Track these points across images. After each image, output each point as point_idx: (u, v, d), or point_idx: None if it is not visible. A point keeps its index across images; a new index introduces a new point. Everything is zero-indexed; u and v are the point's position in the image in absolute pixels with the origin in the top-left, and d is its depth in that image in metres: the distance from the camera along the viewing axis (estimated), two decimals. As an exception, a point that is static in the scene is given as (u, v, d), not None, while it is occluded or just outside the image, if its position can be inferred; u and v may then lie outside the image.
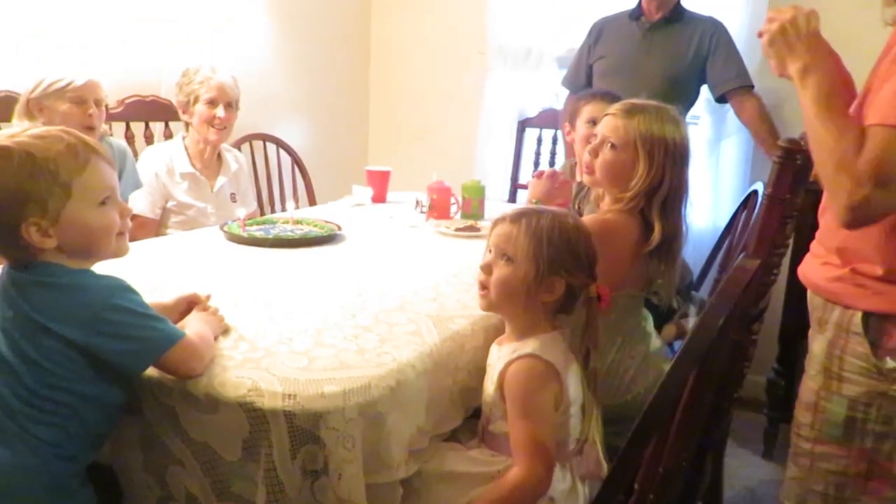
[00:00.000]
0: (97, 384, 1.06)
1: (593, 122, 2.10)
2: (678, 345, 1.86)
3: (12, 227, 1.03)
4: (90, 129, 2.01)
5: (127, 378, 1.09)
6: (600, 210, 1.63)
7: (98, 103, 2.06)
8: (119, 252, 1.14)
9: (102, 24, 2.44)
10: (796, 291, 2.41)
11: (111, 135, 2.24)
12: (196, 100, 2.32)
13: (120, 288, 1.07)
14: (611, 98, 2.09)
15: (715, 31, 2.60)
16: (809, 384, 1.35)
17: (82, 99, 2.01)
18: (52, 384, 1.03)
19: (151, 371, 1.10)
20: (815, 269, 1.36)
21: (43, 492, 1.04)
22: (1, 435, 1.03)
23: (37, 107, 1.99)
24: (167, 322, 1.11)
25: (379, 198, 2.63)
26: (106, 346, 1.04)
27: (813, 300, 1.39)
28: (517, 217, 1.30)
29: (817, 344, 1.33)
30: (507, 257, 1.28)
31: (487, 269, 1.30)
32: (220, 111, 2.31)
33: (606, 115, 1.61)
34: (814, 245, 1.43)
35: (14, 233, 1.03)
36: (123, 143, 2.30)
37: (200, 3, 2.76)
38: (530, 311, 1.28)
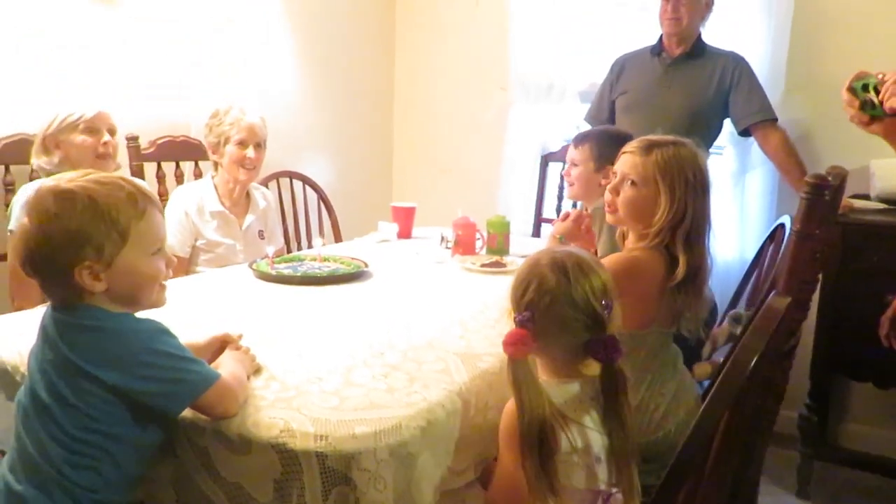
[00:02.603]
0: (134, 427, 1.07)
1: (574, 164, 2.20)
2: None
3: (67, 268, 1.05)
4: (105, 157, 2.08)
5: (163, 420, 1.11)
6: (625, 248, 1.64)
7: (111, 132, 2.12)
8: (159, 302, 1.17)
9: (135, 67, 2.52)
10: (827, 326, 2.39)
11: (121, 169, 2.28)
12: (227, 140, 2.37)
13: (158, 331, 1.09)
14: (577, 140, 2.25)
15: (736, 65, 2.61)
16: None
17: (95, 129, 2.07)
18: (90, 427, 1.05)
19: (185, 412, 1.11)
20: None
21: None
22: (38, 479, 1.05)
23: (53, 142, 2.05)
24: (203, 363, 1.12)
25: (404, 234, 2.65)
26: (144, 389, 1.06)
27: None
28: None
29: None
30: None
31: None
32: (250, 152, 2.36)
33: (624, 152, 1.62)
34: None
35: (67, 274, 1.05)
36: (144, 183, 2.35)
37: (228, 45, 2.84)
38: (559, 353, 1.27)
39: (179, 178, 2.63)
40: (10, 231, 1.98)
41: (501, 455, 1.23)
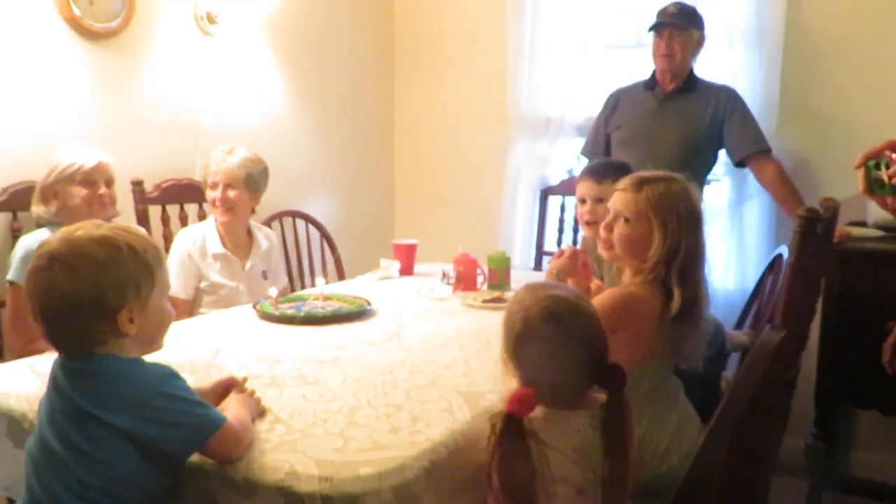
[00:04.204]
0: (144, 471, 1.09)
1: (582, 200, 2.17)
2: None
3: (112, 312, 1.10)
4: (101, 208, 2.10)
5: (172, 464, 1.12)
6: (622, 283, 1.66)
7: (109, 184, 2.15)
8: (162, 345, 1.21)
9: (139, 110, 2.57)
10: (829, 354, 2.40)
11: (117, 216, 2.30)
12: (206, 183, 2.42)
13: (167, 374, 1.12)
14: (599, 174, 2.14)
15: (729, 97, 2.66)
16: None
17: (92, 180, 2.11)
18: (102, 474, 1.06)
19: (192, 456, 1.13)
20: None
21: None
22: None
23: (51, 192, 2.09)
24: (210, 407, 1.14)
25: (406, 270, 2.67)
26: (155, 432, 1.07)
27: None
28: None
29: None
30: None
31: None
32: (217, 193, 2.38)
33: (616, 190, 1.65)
34: None
35: (112, 317, 1.10)
36: (142, 230, 2.38)
37: (228, 86, 2.90)
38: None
39: (184, 221, 2.67)
40: (11, 281, 2.00)
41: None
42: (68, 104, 2.37)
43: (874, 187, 1.38)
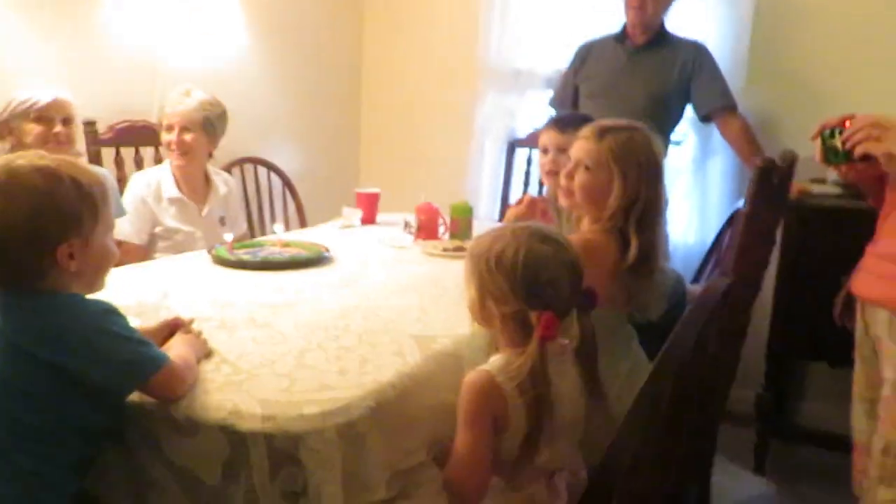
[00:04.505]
0: (82, 410, 1.06)
1: (545, 150, 2.15)
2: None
3: (51, 246, 1.06)
4: (56, 146, 2.01)
5: (111, 403, 1.10)
6: (580, 231, 1.65)
7: (67, 122, 2.08)
8: (104, 285, 1.17)
9: (95, 48, 2.48)
10: (783, 307, 2.44)
11: (82, 156, 2.24)
12: (162, 125, 2.36)
13: (107, 311, 1.09)
14: (562, 124, 2.13)
15: (698, 53, 2.64)
16: None
17: (48, 118, 2.03)
18: (37, 410, 1.04)
19: (133, 395, 1.11)
20: None
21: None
22: None
23: (6, 129, 2.02)
24: (152, 346, 1.12)
25: (368, 219, 2.64)
26: (92, 370, 1.05)
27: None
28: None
29: None
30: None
31: None
32: (174, 136, 2.32)
33: (578, 138, 1.63)
34: (878, 262, 1.47)
35: (51, 252, 1.06)
36: (103, 170, 2.32)
37: (188, 27, 2.80)
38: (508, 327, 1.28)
39: (139, 164, 2.59)
40: None
41: (461, 433, 1.22)
42: (18, 41, 2.26)
43: (829, 156, 1.40)
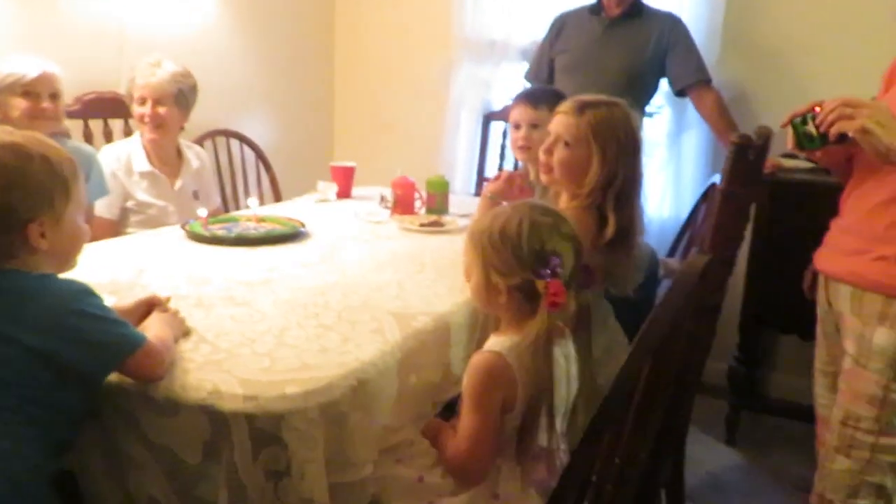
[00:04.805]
0: (59, 391, 1.05)
1: (517, 125, 2.13)
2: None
3: (21, 224, 1.04)
4: (43, 121, 1.96)
5: (89, 384, 1.08)
6: (559, 208, 1.65)
7: (54, 96, 2.02)
8: (76, 264, 1.15)
9: (55, 19, 2.40)
10: (755, 281, 2.48)
11: (69, 135, 2.20)
12: (132, 98, 2.30)
13: (82, 292, 1.07)
14: (534, 99, 2.12)
15: (673, 26, 2.63)
16: (873, 377, 1.40)
17: (35, 92, 1.97)
18: (13, 393, 1.02)
19: (111, 375, 1.09)
20: (863, 264, 1.41)
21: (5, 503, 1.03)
22: None
23: None
24: (129, 326, 1.10)
25: (344, 193, 2.62)
26: (68, 352, 1.03)
27: (862, 296, 1.43)
28: None
29: (881, 338, 1.38)
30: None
31: None
32: (146, 108, 2.28)
33: (558, 113, 1.63)
34: (842, 237, 1.48)
35: (20, 230, 1.05)
36: (90, 148, 2.26)
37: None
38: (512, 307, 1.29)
39: (108, 137, 2.53)
40: None
41: (468, 413, 1.23)
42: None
43: (804, 142, 1.41)
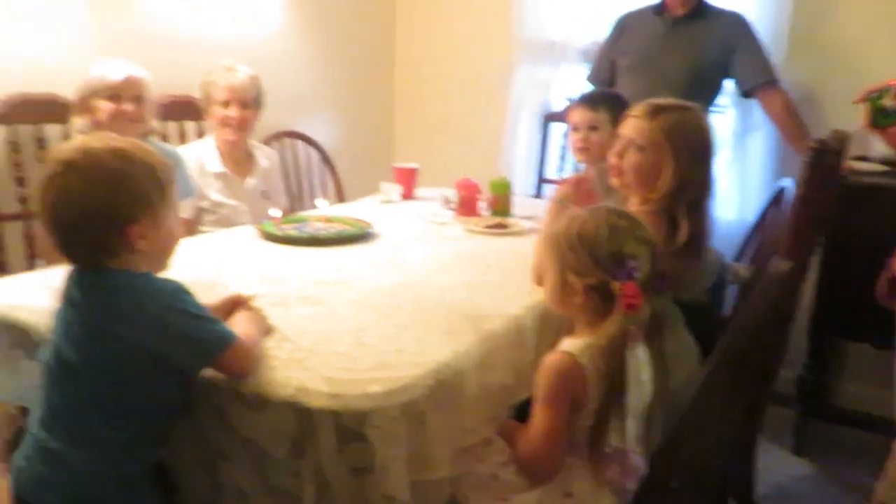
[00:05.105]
0: (158, 385, 1.11)
1: (576, 128, 2.16)
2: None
3: (123, 225, 1.09)
4: (127, 122, 2.05)
5: (184, 378, 1.14)
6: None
7: (138, 100, 2.10)
8: (170, 264, 1.21)
9: (136, 28, 2.50)
10: (826, 287, 2.43)
11: (156, 135, 2.28)
12: (212, 101, 2.37)
13: (180, 290, 1.12)
14: (593, 101, 2.14)
15: (739, 25, 2.59)
16: None
17: (117, 95, 2.06)
18: (119, 386, 1.08)
19: (203, 371, 1.15)
20: None
21: (115, 492, 1.09)
22: (73, 437, 1.09)
23: (83, 105, 2.06)
24: (221, 323, 1.15)
25: (407, 194, 2.66)
26: (166, 347, 1.08)
27: None
28: None
29: None
30: None
31: None
32: (231, 111, 2.35)
33: (629, 116, 1.63)
34: None
35: (121, 231, 1.09)
36: (175, 149, 2.35)
37: (227, 4, 2.81)
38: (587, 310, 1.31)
39: (183, 138, 2.63)
40: None
41: (539, 413, 1.26)
42: (68, 19, 2.29)
43: (879, 118, 1.37)
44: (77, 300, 1.11)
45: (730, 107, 2.86)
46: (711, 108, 2.69)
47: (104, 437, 1.08)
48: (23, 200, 2.17)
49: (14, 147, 2.16)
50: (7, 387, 1.44)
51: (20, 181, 2.17)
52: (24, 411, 1.52)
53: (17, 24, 2.17)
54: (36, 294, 1.46)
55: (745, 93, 2.64)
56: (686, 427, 0.99)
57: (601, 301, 1.27)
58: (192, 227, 2.34)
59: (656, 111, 1.56)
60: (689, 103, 1.58)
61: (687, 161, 1.52)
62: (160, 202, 1.13)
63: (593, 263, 1.27)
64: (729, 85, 2.69)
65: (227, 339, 1.11)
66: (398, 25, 3.70)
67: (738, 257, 2.26)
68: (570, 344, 1.29)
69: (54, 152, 1.11)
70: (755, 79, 2.58)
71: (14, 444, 1.98)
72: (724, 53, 2.59)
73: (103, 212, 1.08)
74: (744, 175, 2.88)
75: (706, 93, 2.62)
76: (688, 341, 1.67)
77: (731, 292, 2.17)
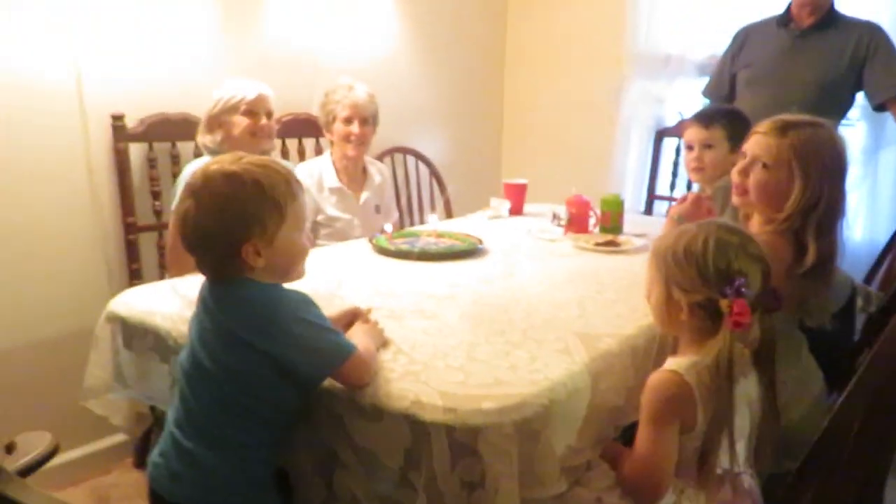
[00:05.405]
0: (282, 392, 1.16)
1: (689, 146, 2.11)
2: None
3: (236, 245, 1.14)
4: (261, 137, 2.19)
5: (307, 386, 1.18)
6: (750, 231, 1.59)
7: (269, 115, 2.23)
8: (301, 274, 1.25)
9: (260, 49, 2.64)
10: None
11: (273, 150, 2.39)
12: (334, 118, 2.46)
13: (305, 302, 1.17)
14: (707, 119, 2.09)
15: (873, 35, 2.46)
16: None
17: (254, 111, 2.19)
18: (248, 392, 1.14)
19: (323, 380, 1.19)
20: None
21: (243, 491, 1.15)
22: (205, 439, 1.15)
23: (216, 122, 2.19)
24: (342, 335, 1.20)
25: (516, 210, 2.67)
26: (292, 356, 1.13)
27: None
28: None
29: None
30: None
31: None
32: (354, 127, 2.44)
33: (755, 133, 1.57)
34: None
35: (236, 251, 1.14)
36: (289, 164, 2.46)
37: (341, 24, 2.92)
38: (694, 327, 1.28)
39: (302, 155, 2.74)
40: (175, 207, 2.13)
41: (644, 433, 1.24)
42: (198, 41, 2.45)
43: None
44: (211, 308, 1.18)
45: (860, 120, 2.71)
46: (840, 123, 2.56)
47: (233, 440, 1.14)
48: (157, 213, 2.33)
49: (151, 163, 2.32)
50: (142, 387, 1.54)
51: (155, 195, 2.33)
52: (152, 410, 1.63)
53: (159, 46, 2.34)
54: (170, 301, 1.56)
55: (878, 105, 2.49)
56: (816, 459, 0.94)
57: (708, 319, 1.24)
58: (311, 241, 2.43)
59: (785, 128, 1.49)
60: (819, 119, 1.51)
61: (817, 181, 1.45)
62: (275, 220, 1.15)
63: (700, 279, 1.24)
64: (860, 97, 2.54)
65: (347, 351, 1.15)
66: (508, 41, 3.73)
67: (867, 281, 2.13)
68: (675, 362, 1.26)
69: (192, 175, 1.19)
70: (889, 91, 2.43)
71: (144, 441, 2.15)
72: (856, 64, 2.46)
73: (215, 234, 1.14)
74: (875, 193, 2.73)
75: (835, 106, 2.50)
76: (812, 367, 1.59)
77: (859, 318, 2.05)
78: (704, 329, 1.26)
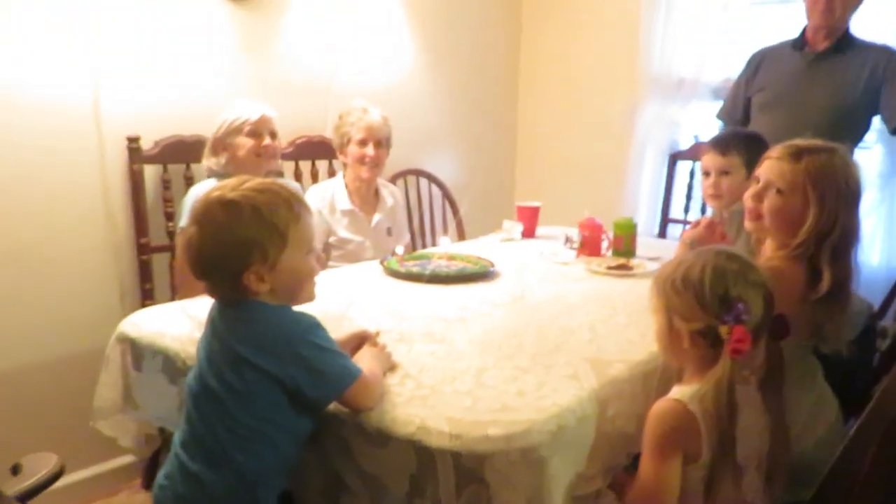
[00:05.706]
0: (290, 414, 1.15)
1: (706, 173, 2.10)
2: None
3: (237, 273, 1.14)
4: (265, 157, 2.21)
5: (313, 409, 1.18)
6: (763, 255, 1.57)
7: (273, 136, 2.25)
8: (311, 297, 1.25)
9: (275, 72, 2.67)
10: None
11: (282, 174, 2.41)
12: (349, 140, 2.48)
13: (313, 325, 1.17)
14: (723, 146, 2.07)
15: (889, 59, 2.44)
16: None
17: (258, 132, 2.21)
18: (255, 414, 1.14)
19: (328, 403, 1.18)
20: None
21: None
22: (211, 461, 1.15)
23: (221, 145, 2.21)
24: (349, 358, 1.19)
25: (529, 233, 2.66)
26: (300, 378, 1.13)
27: None
28: None
29: None
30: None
31: None
32: (369, 149, 2.45)
33: (769, 158, 1.55)
34: None
35: (237, 278, 1.15)
36: (297, 185, 2.48)
37: (354, 46, 2.94)
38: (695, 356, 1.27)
39: (315, 177, 2.76)
40: (182, 228, 2.15)
41: (647, 462, 1.23)
42: (213, 64, 2.48)
43: None
44: (219, 330, 1.18)
45: (877, 143, 2.69)
46: (856, 147, 2.53)
47: (240, 463, 1.14)
48: (170, 234, 2.35)
49: (165, 184, 2.34)
50: (151, 408, 1.54)
51: (169, 216, 2.35)
52: (161, 432, 1.63)
53: (175, 69, 2.37)
54: (180, 322, 1.57)
55: (895, 129, 2.46)
56: (831, 487, 0.92)
57: (710, 346, 1.24)
58: (321, 262, 2.43)
59: (799, 153, 1.48)
60: (834, 144, 1.49)
61: (832, 206, 1.43)
62: (276, 246, 1.15)
63: (699, 307, 1.23)
64: (876, 121, 2.52)
65: (353, 375, 1.15)
66: (522, 64, 3.75)
67: (884, 307, 2.10)
68: (679, 391, 1.26)
69: (197, 201, 1.20)
70: (906, 115, 2.40)
71: (152, 462, 2.15)
72: (872, 88, 2.44)
73: (217, 262, 1.15)
74: (891, 217, 2.70)
75: (850, 131, 2.47)
76: (827, 394, 1.56)
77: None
78: (707, 357, 1.25)
